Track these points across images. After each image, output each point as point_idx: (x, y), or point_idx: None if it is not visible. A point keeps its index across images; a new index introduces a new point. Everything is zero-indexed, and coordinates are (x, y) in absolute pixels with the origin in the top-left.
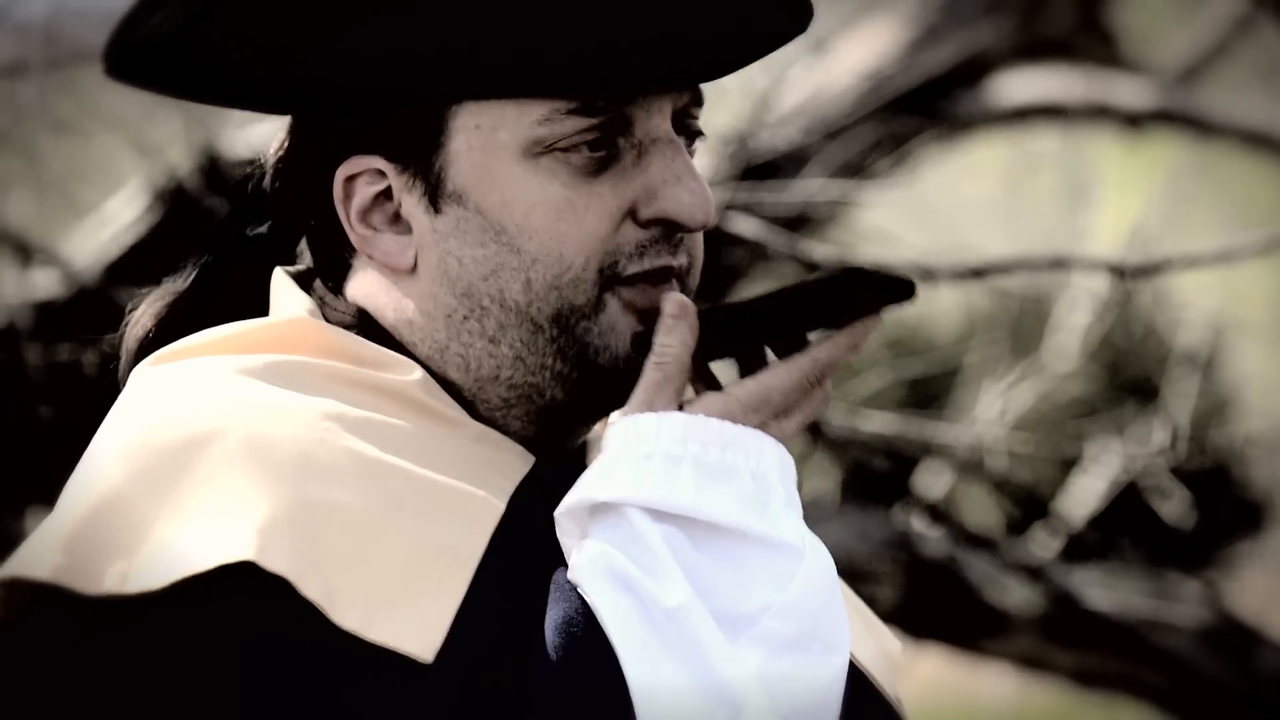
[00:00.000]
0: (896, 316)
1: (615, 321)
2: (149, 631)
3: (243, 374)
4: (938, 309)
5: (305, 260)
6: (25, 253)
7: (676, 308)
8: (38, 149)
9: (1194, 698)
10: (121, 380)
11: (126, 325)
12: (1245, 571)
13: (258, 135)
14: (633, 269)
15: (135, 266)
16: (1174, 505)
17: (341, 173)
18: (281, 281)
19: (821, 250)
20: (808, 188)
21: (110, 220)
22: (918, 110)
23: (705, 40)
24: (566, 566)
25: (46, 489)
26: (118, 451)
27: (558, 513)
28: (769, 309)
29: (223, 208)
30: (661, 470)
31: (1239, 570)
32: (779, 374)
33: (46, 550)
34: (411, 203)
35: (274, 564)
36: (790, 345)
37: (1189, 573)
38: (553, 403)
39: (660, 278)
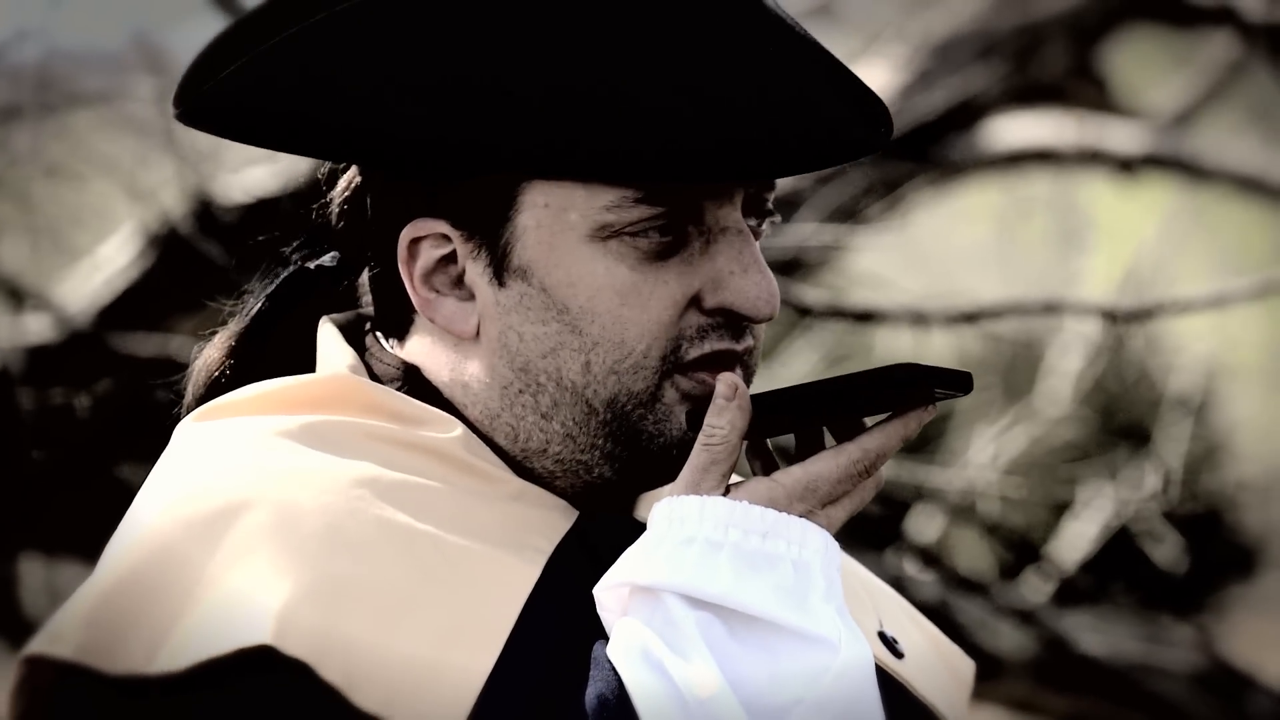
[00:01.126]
0: (889, 361)
1: (671, 411)
2: (168, 715)
3: (280, 436)
4: (930, 353)
5: (365, 291)
6: (18, 297)
7: (729, 389)
8: (31, 193)
9: None
10: (184, 415)
11: (192, 365)
12: (1237, 616)
13: (252, 179)
14: (694, 353)
15: (128, 311)
16: (1166, 549)
17: (407, 234)
18: (328, 334)
19: (814, 295)
20: (800, 232)
21: (103, 264)
22: (910, 155)
23: (778, 140)
24: (606, 636)
25: (39, 533)
26: (149, 520)
27: (597, 590)
28: (823, 395)
29: (217, 252)
30: (700, 557)
31: (1231, 615)
32: (827, 462)
33: (71, 627)
34: (475, 271)
35: (293, 648)
36: (847, 430)
37: (1181, 617)
38: (600, 479)
39: (722, 362)
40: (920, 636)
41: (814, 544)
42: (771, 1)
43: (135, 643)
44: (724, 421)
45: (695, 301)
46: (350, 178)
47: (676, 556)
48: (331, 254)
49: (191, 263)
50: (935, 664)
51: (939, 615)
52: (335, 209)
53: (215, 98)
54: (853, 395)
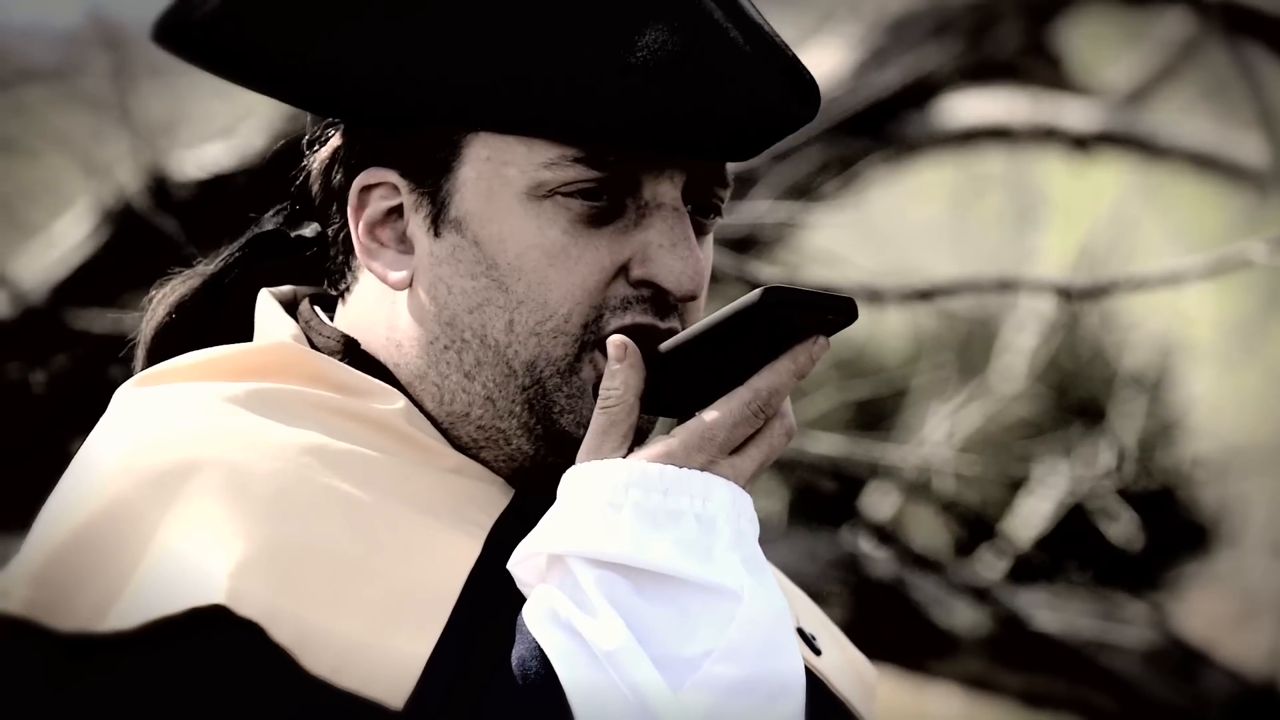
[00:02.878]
0: (843, 338)
1: (586, 389)
2: (118, 672)
3: (226, 401)
4: (885, 331)
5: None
6: None
7: (619, 350)
8: None
9: (1141, 719)
10: (138, 363)
11: (145, 311)
12: (1192, 593)
13: (207, 155)
14: (615, 324)
15: (83, 287)
16: (1121, 527)
17: (359, 181)
18: (266, 304)
19: (769, 271)
20: (755, 209)
21: (58, 240)
22: (865, 132)
23: (718, 118)
24: None
25: None
26: (97, 480)
27: (510, 565)
28: (714, 340)
29: (172, 227)
30: (601, 519)
31: (1186, 592)
32: (719, 409)
33: (19, 582)
34: (416, 222)
35: (245, 609)
36: (749, 370)
37: (1136, 594)
38: (519, 452)
39: (641, 336)
40: (830, 640)
41: (718, 497)
42: None
43: (85, 599)
44: (618, 383)
45: (623, 272)
46: (331, 140)
47: (578, 521)
48: (314, 225)
49: (147, 238)
50: (847, 668)
51: (894, 592)
52: (315, 171)
53: (190, 25)
54: (740, 333)
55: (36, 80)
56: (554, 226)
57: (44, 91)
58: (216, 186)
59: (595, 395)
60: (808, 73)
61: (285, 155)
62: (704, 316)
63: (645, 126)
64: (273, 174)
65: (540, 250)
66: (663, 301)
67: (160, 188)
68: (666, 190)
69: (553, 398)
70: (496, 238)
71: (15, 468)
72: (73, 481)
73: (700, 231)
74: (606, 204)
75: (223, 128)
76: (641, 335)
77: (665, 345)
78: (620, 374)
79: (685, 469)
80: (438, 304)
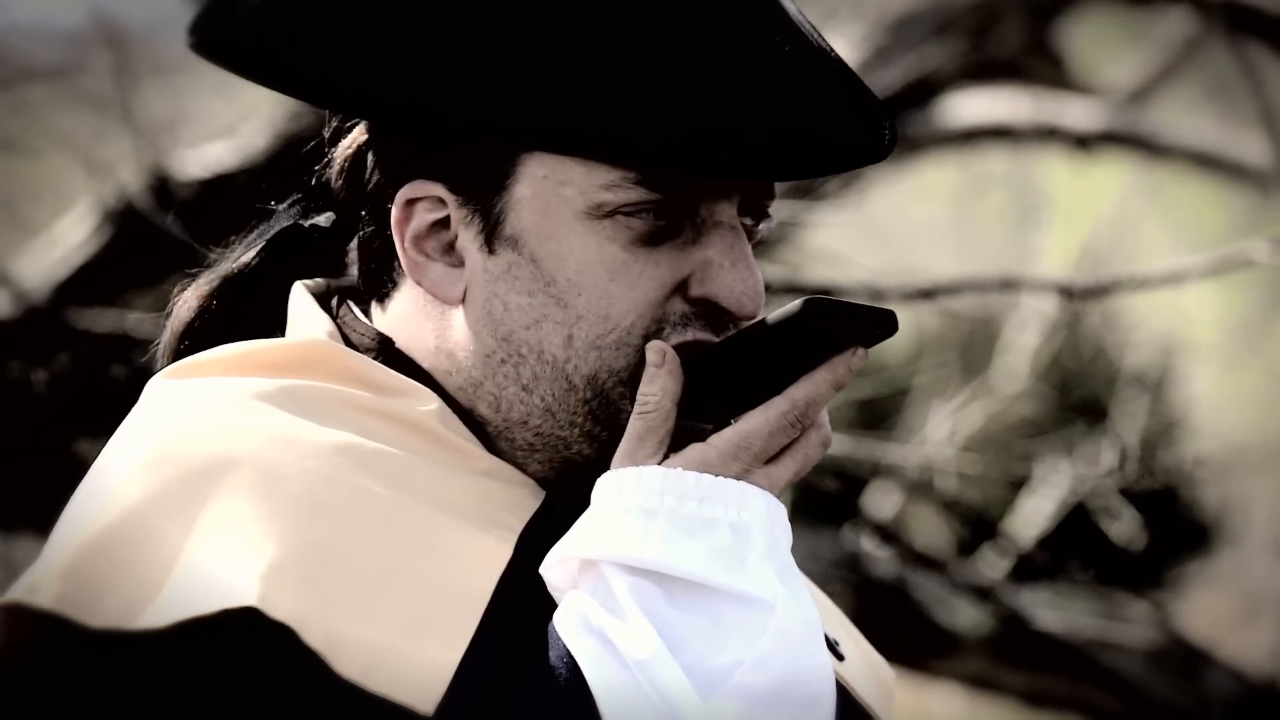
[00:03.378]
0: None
1: None
2: (149, 671)
3: (259, 399)
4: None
5: (353, 257)
6: None
7: (658, 355)
8: None
9: (1143, 718)
10: (161, 361)
11: (172, 306)
12: (1194, 592)
13: (210, 154)
14: (675, 339)
15: (85, 286)
16: (1123, 526)
17: (404, 194)
18: (300, 299)
19: (771, 271)
20: None
21: (60, 240)
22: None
23: (781, 141)
24: None
25: None
26: (128, 474)
27: (543, 569)
28: (753, 348)
29: (174, 226)
30: (635, 525)
31: (1188, 591)
32: (757, 418)
33: (50, 577)
34: (467, 238)
35: (277, 611)
36: (788, 380)
37: (1138, 593)
38: (578, 455)
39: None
40: (852, 644)
41: (753, 506)
42: (791, 4)
43: (116, 597)
44: (655, 388)
45: (681, 288)
46: (354, 137)
47: (612, 527)
48: (326, 215)
49: (149, 238)
50: (868, 672)
51: (896, 592)
52: (335, 167)
53: (229, 33)
54: (780, 343)
55: (38, 79)
56: (614, 244)
57: (46, 91)
58: (218, 186)
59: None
60: (878, 101)
61: (335, 139)
62: None
63: (707, 150)
64: (276, 172)
65: (601, 266)
66: (719, 318)
67: (162, 187)
68: (724, 209)
69: (618, 405)
70: (555, 255)
71: (17, 467)
72: (102, 476)
73: (750, 239)
74: (666, 223)
75: (225, 127)
76: (698, 349)
77: (704, 352)
78: (658, 380)
79: (721, 477)
80: (493, 320)
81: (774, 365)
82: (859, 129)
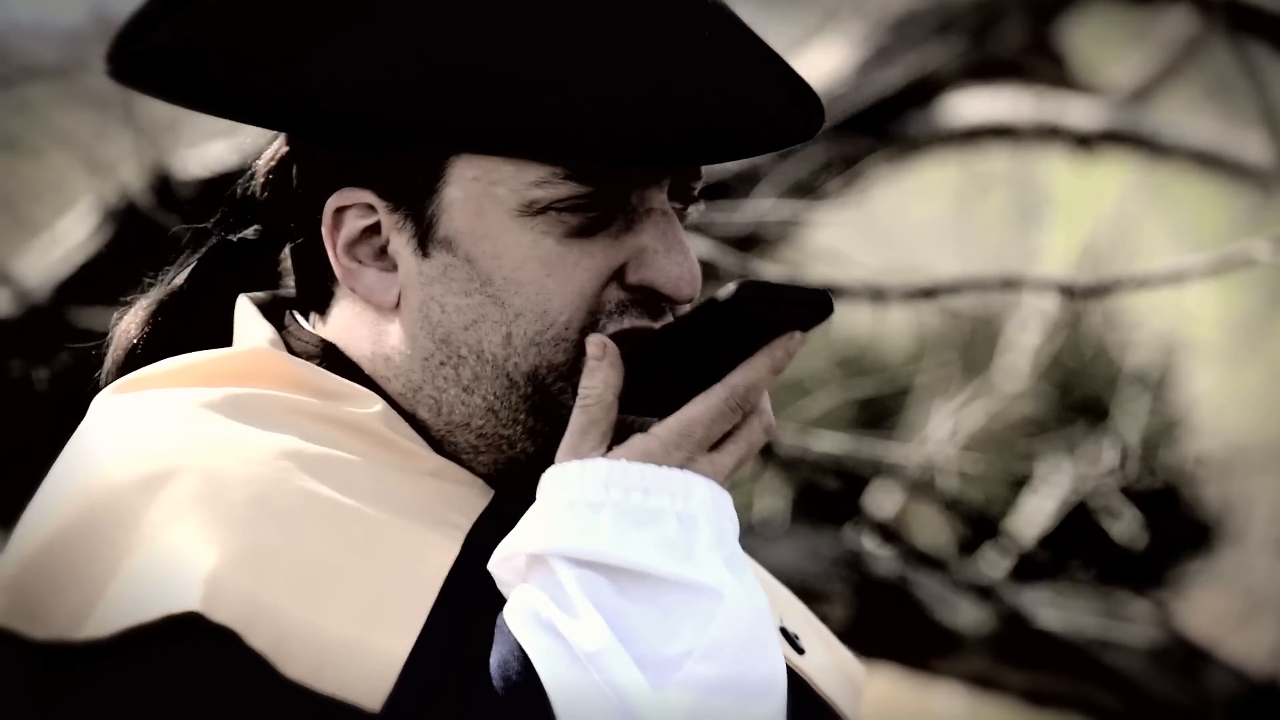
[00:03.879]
0: (847, 336)
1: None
2: (94, 682)
3: (203, 408)
4: (888, 329)
5: (288, 265)
6: None
7: (598, 349)
8: None
9: (1144, 717)
10: (103, 386)
11: (111, 333)
12: (1195, 591)
13: (210, 154)
14: (612, 328)
15: (86, 285)
16: (1124, 525)
17: (333, 203)
18: (245, 310)
19: (772, 270)
20: (759, 208)
21: (61, 239)
22: (868, 131)
23: (707, 124)
24: None
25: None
26: (72, 488)
27: (491, 565)
28: (690, 336)
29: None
30: (581, 518)
31: (1189, 590)
32: (697, 406)
33: None
34: (400, 242)
35: (220, 615)
36: (727, 367)
37: (1139, 593)
38: (522, 454)
39: (637, 339)
40: (816, 639)
41: (699, 495)
42: None
43: (60, 608)
44: (597, 381)
45: (617, 276)
46: (276, 148)
47: (559, 521)
48: (254, 227)
49: (150, 237)
50: (832, 666)
51: (897, 591)
52: (260, 179)
53: (149, 56)
54: (718, 332)
55: (40, 78)
56: (548, 238)
57: (47, 90)
58: (219, 185)
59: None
60: (806, 85)
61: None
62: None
63: (634, 141)
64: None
65: (537, 262)
66: (655, 304)
67: (163, 186)
68: (655, 195)
69: (558, 400)
70: (490, 254)
71: (18, 466)
72: (50, 490)
73: (681, 222)
74: (599, 214)
75: (226, 126)
76: (637, 338)
77: (642, 343)
78: (599, 372)
79: (665, 467)
80: (430, 322)
81: (713, 352)
82: (783, 109)
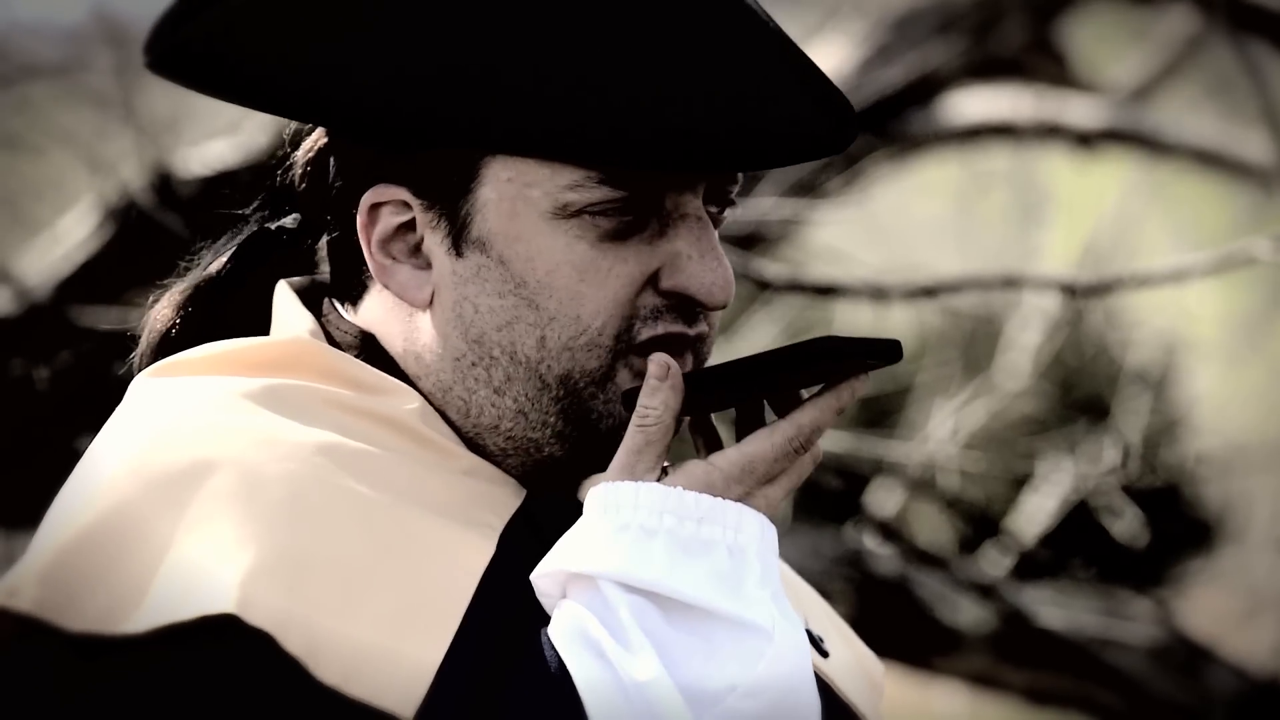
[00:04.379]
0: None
1: (620, 392)
2: (128, 678)
3: (242, 398)
4: (889, 327)
5: (323, 254)
6: None
7: (660, 369)
8: None
9: (1146, 716)
10: (136, 371)
11: (146, 316)
12: (1196, 590)
13: (211, 152)
14: (647, 334)
15: (87, 284)
16: (1125, 523)
17: (368, 199)
18: (285, 297)
19: (774, 269)
20: (760, 206)
21: (63, 237)
22: (869, 129)
23: (741, 133)
24: (548, 617)
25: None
26: (110, 476)
27: (534, 576)
28: (755, 371)
29: (176, 224)
30: (635, 544)
31: (1190, 589)
32: (762, 442)
33: (29, 579)
34: (434, 241)
35: (256, 617)
36: (785, 404)
37: (1140, 591)
38: (550, 458)
39: (673, 345)
40: (838, 638)
41: (750, 529)
42: None
43: (95, 601)
44: (657, 402)
45: (651, 282)
46: (315, 139)
47: (611, 544)
48: (293, 216)
49: (151, 236)
50: (854, 666)
51: (898, 589)
52: (298, 170)
53: (186, 49)
54: (784, 370)
55: (41, 77)
56: (581, 242)
57: (48, 88)
58: (221, 183)
59: (629, 400)
60: (842, 96)
61: (295, 141)
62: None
63: (670, 146)
64: (277, 171)
65: (570, 266)
66: (690, 309)
67: (164, 185)
68: (689, 200)
69: (589, 405)
70: (524, 256)
71: (19, 465)
72: (84, 477)
73: (715, 226)
74: (632, 219)
75: (227, 124)
76: (673, 343)
77: (707, 369)
78: (661, 393)
79: (720, 499)
80: (464, 322)
81: (774, 386)
82: (819, 118)
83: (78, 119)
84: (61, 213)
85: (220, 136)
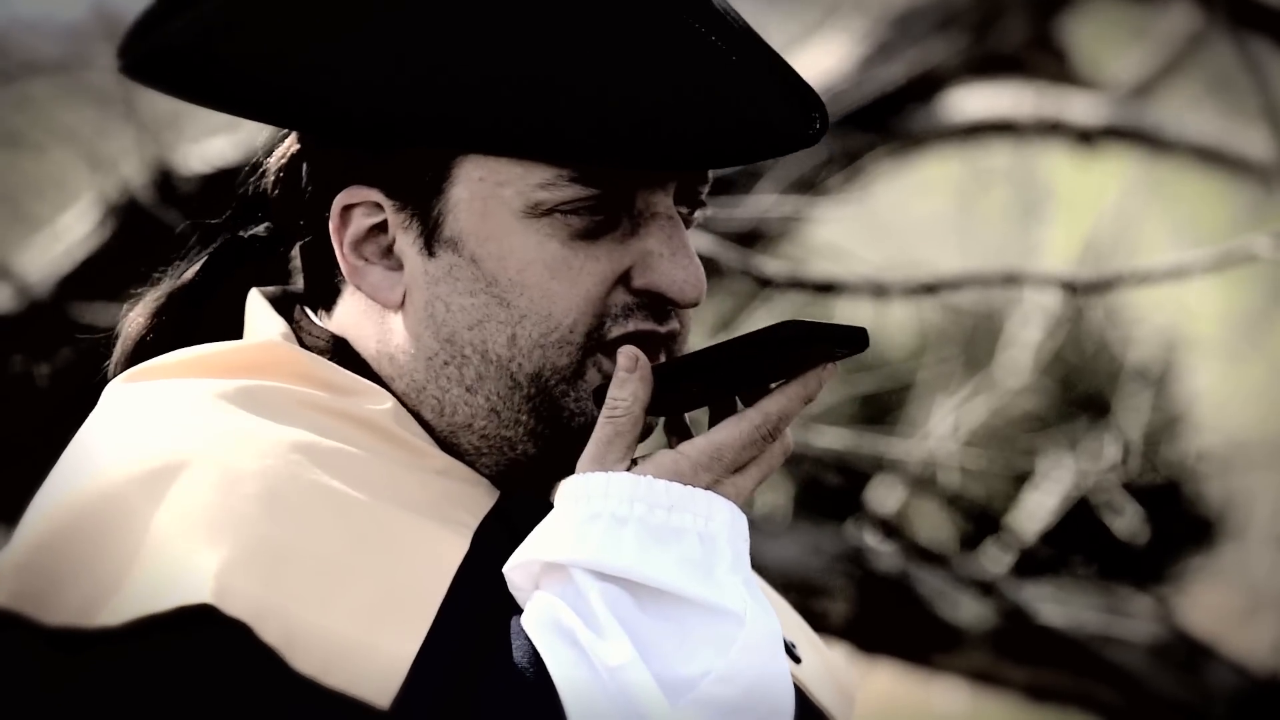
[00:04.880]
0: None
1: (590, 389)
2: (105, 670)
3: (217, 398)
4: (890, 325)
5: (297, 263)
6: None
7: (629, 361)
8: None
9: (1146, 713)
10: (111, 377)
11: (120, 324)
12: (1197, 587)
13: (212, 149)
14: (617, 331)
15: (88, 281)
16: (1126, 520)
17: (340, 201)
18: (256, 303)
19: (774, 266)
20: (760, 203)
21: (63, 234)
22: (870, 126)
23: (712, 129)
24: (522, 610)
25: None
26: (87, 475)
27: (507, 568)
28: (723, 361)
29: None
30: (606, 532)
31: (1191, 586)
32: (730, 430)
33: (5, 573)
34: (406, 241)
35: (233, 608)
36: (756, 393)
37: (1141, 588)
38: (524, 456)
39: (644, 342)
40: (809, 647)
41: (720, 516)
42: None
43: (72, 595)
44: (626, 393)
45: (623, 280)
46: (287, 146)
47: (582, 532)
48: (264, 224)
49: (152, 233)
50: (826, 674)
51: (899, 586)
52: (270, 177)
53: (160, 52)
54: (751, 360)
55: (41, 74)
56: (553, 241)
57: (49, 85)
58: (221, 180)
59: (600, 396)
60: (812, 91)
61: (269, 150)
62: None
63: (641, 144)
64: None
65: (542, 264)
66: (661, 308)
67: (165, 182)
68: (661, 199)
69: (560, 403)
70: (495, 255)
71: (18, 461)
72: (62, 476)
73: (686, 226)
74: (604, 217)
75: (228, 122)
76: (644, 341)
77: (675, 360)
78: (629, 385)
79: (690, 487)
80: (435, 321)
81: (740, 376)
82: (788, 114)
83: (78, 116)
84: (62, 210)
85: (221, 134)
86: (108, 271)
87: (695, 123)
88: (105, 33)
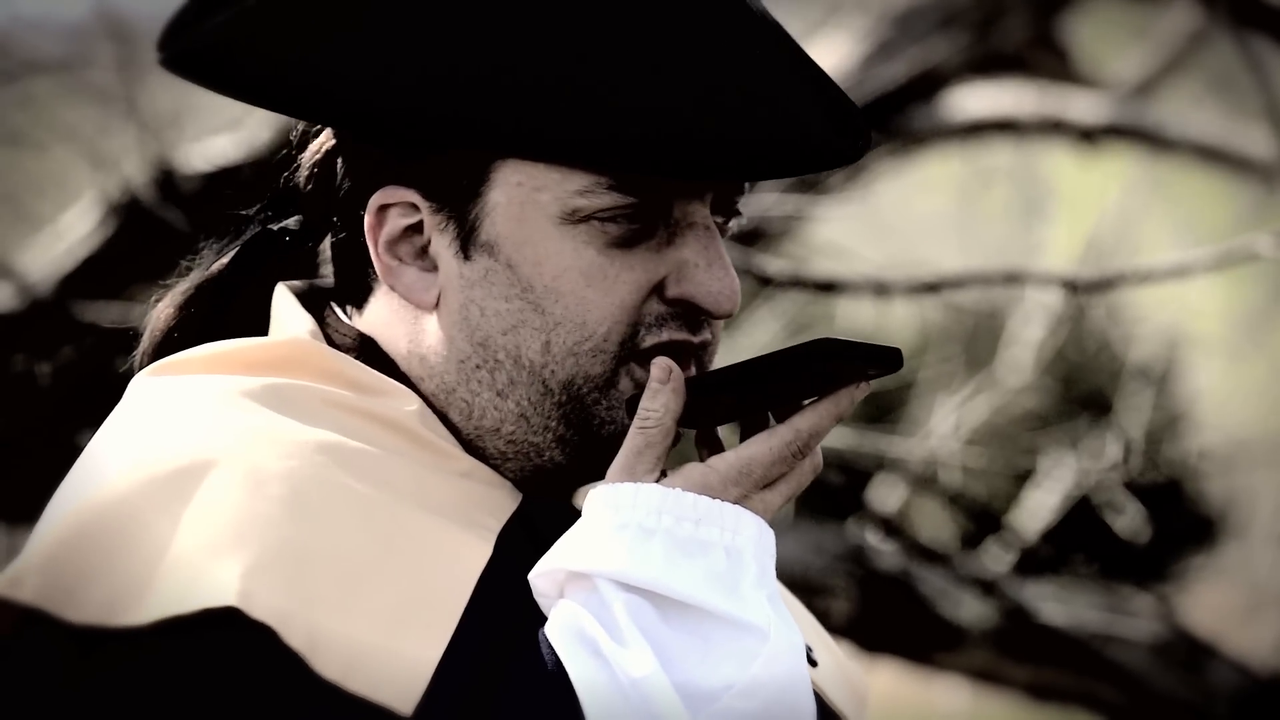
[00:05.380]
0: (850, 332)
1: (623, 399)
2: (129, 670)
3: (242, 396)
4: (892, 323)
5: (323, 256)
6: None
7: (663, 372)
8: None
9: (1147, 712)
10: (137, 369)
11: (147, 315)
12: (1199, 586)
13: (214, 148)
14: (651, 341)
15: (90, 279)
16: (1127, 519)
17: (376, 200)
18: (284, 299)
19: (776, 265)
20: (762, 202)
21: (65, 233)
22: (872, 125)
23: (752, 141)
24: (545, 618)
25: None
26: (111, 472)
27: (532, 576)
28: (756, 376)
29: (178, 220)
30: (633, 543)
31: (1192, 584)
32: (760, 445)
33: (30, 570)
34: (442, 244)
35: (258, 610)
36: (788, 410)
37: (1142, 587)
38: (549, 462)
39: (677, 352)
40: (824, 649)
41: (747, 531)
42: (759, 5)
43: (97, 593)
44: (658, 404)
45: (658, 290)
46: (323, 141)
47: (610, 542)
48: (295, 218)
49: (153, 231)
50: (840, 677)
51: (900, 585)
52: (304, 171)
53: (200, 47)
54: (785, 376)
55: (43, 73)
56: (589, 248)
57: (51, 84)
58: (223, 179)
59: (632, 406)
60: (854, 107)
61: (302, 143)
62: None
63: (681, 153)
64: (279, 168)
65: (577, 271)
66: (695, 318)
67: (167, 180)
68: (698, 209)
69: (592, 411)
70: (531, 261)
71: (21, 460)
72: (85, 472)
73: (722, 235)
74: (641, 226)
75: (229, 120)
76: (677, 351)
77: (709, 373)
78: (662, 396)
79: (718, 500)
80: (469, 325)
81: (773, 391)
82: (830, 128)
83: (80, 114)
84: (64, 208)
85: (223, 132)
86: (109, 270)
87: (735, 134)
88: (107, 31)
